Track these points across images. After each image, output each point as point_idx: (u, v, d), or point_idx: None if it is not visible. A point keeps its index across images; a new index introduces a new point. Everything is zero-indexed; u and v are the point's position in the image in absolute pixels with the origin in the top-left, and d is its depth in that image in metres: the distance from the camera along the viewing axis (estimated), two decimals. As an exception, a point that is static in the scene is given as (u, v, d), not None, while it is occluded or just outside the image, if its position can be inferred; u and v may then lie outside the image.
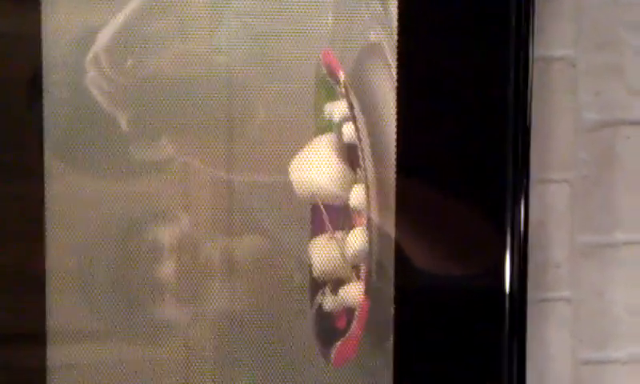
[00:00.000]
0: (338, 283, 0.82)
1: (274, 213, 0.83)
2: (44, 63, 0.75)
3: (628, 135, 0.83)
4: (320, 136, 0.83)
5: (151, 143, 0.80)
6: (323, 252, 0.82)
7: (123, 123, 0.79)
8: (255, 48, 0.81)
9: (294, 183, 0.81)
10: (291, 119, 0.82)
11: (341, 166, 0.81)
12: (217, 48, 0.81)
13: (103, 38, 0.79)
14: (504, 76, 0.74)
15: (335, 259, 0.82)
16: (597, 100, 0.83)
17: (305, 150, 0.82)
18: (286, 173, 0.82)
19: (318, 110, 0.84)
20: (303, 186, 0.82)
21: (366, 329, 0.80)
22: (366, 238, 0.79)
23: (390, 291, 0.76)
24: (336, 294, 0.82)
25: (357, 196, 0.81)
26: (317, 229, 0.83)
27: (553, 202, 0.84)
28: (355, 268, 0.81)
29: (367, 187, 0.78)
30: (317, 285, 0.83)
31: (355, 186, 0.81)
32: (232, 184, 0.82)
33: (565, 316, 0.85)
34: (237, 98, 0.81)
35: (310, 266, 0.82)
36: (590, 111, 0.83)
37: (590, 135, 0.83)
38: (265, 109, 0.82)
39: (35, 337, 0.76)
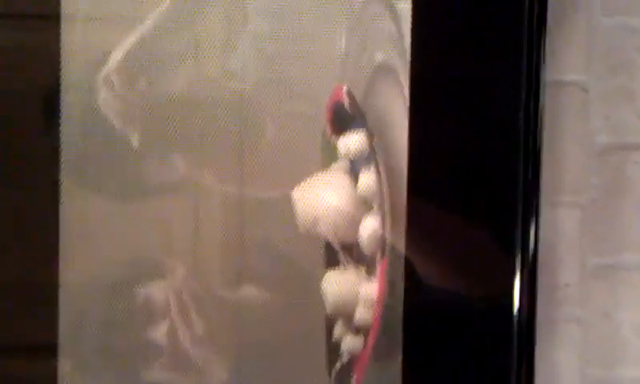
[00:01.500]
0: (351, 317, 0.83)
1: (287, 232, 0.83)
2: (62, 81, 0.76)
3: (638, 160, 0.84)
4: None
5: (164, 164, 0.81)
6: (337, 287, 0.83)
7: (135, 143, 0.80)
8: (268, 70, 0.82)
9: (298, 212, 0.82)
10: (304, 141, 0.83)
11: (352, 190, 0.82)
12: (230, 71, 0.82)
13: (115, 57, 0.80)
14: (515, 99, 0.75)
15: (349, 294, 0.83)
16: (607, 124, 0.84)
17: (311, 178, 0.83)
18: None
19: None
20: (307, 214, 0.82)
21: (375, 352, 0.81)
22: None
23: (399, 315, 0.76)
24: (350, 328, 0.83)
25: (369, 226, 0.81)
26: (330, 261, 0.84)
27: (563, 225, 0.84)
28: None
29: (382, 215, 0.79)
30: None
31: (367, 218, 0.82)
32: (243, 204, 0.83)
33: (573, 337, 0.86)
34: (249, 120, 0.82)
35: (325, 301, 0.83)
36: (600, 135, 0.84)
37: (601, 159, 0.84)
38: (277, 130, 0.83)
39: (47, 349, 0.77)
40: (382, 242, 0.80)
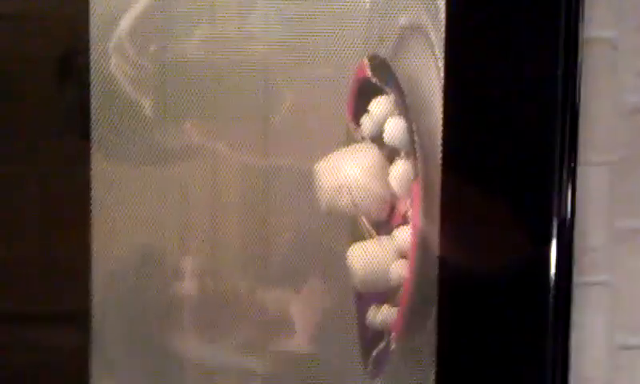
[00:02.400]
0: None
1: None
2: (92, 48, 0.74)
3: (671, 118, 0.82)
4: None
5: (190, 130, 0.79)
6: (365, 259, 0.81)
7: (148, 110, 0.78)
8: (288, 32, 0.80)
9: (319, 187, 0.80)
10: (328, 105, 0.81)
11: (380, 159, 0.80)
12: (249, 32, 0.79)
13: (126, 22, 0.77)
14: (553, 57, 0.73)
15: (379, 265, 0.81)
16: (638, 82, 0.82)
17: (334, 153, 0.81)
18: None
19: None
20: (329, 188, 0.80)
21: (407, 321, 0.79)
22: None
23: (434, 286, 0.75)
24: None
25: (397, 175, 0.79)
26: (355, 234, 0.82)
27: (592, 185, 0.82)
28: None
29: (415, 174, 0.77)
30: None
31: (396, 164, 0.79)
32: (267, 172, 0.81)
33: (602, 301, 0.84)
34: (271, 83, 0.80)
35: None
36: (631, 93, 0.82)
37: (631, 117, 0.82)
38: (299, 94, 0.80)
39: (79, 318, 0.75)
40: (412, 191, 0.78)
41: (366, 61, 0.81)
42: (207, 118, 0.79)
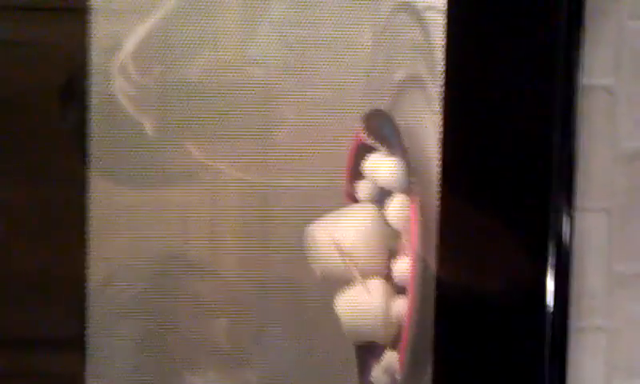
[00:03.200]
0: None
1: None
2: (90, 71, 0.74)
3: (668, 165, 0.83)
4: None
5: (190, 152, 0.79)
6: (352, 308, 0.82)
7: (150, 131, 0.79)
8: (290, 57, 0.81)
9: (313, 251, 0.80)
10: (327, 127, 0.82)
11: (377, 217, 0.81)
12: (251, 58, 0.80)
13: (131, 44, 0.78)
14: (550, 104, 0.74)
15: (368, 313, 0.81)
16: (636, 128, 0.83)
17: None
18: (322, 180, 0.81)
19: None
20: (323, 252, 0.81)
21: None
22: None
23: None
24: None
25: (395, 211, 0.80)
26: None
27: (590, 231, 0.83)
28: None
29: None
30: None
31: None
32: (266, 191, 0.81)
33: (600, 345, 0.84)
34: (271, 107, 0.81)
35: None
36: (628, 140, 0.83)
37: (629, 164, 0.83)
38: (299, 118, 0.81)
39: (74, 342, 0.75)
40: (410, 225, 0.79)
41: (361, 126, 0.82)
42: (208, 140, 0.80)
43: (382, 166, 0.81)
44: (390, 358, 0.82)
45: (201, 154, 0.80)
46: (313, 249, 0.81)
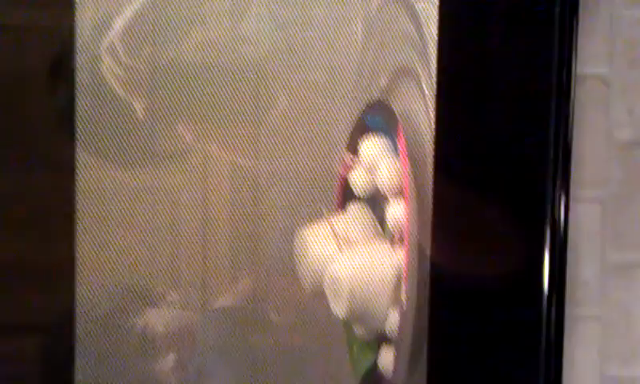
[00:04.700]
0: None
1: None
2: (77, 53, 0.73)
3: (662, 154, 0.83)
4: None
5: (180, 133, 0.79)
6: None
7: (140, 112, 0.78)
8: (281, 37, 0.80)
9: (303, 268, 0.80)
10: (320, 109, 0.81)
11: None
12: (243, 37, 0.79)
13: (119, 24, 0.78)
14: (545, 93, 0.74)
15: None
16: (630, 118, 0.83)
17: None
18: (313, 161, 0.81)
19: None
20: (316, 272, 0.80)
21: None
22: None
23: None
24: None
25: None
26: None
27: (584, 220, 0.83)
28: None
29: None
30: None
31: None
32: (257, 176, 0.81)
33: (593, 334, 0.85)
34: (263, 88, 0.80)
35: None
36: (622, 129, 0.83)
37: (623, 154, 0.83)
38: (291, 99, 0.80)
39: (64, 329, 0.75)
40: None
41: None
42: (198, 121, 0.79)
43: (379, 164, 0.80)
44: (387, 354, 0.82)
45: (191, 136, 0.79)
46: (303, 261, 0.80)
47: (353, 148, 0.83)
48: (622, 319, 0.85)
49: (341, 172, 0.82)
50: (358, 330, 0.82)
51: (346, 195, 0.84)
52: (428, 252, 0.74)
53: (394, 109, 0.80)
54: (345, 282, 0.78)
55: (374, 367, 0.83)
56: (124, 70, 0.78)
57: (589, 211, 0.83)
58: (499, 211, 0.74)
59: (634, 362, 0.85)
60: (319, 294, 0.80)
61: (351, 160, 0.81)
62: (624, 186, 0.83)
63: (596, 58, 0.82)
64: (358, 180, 0.82)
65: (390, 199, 0.80)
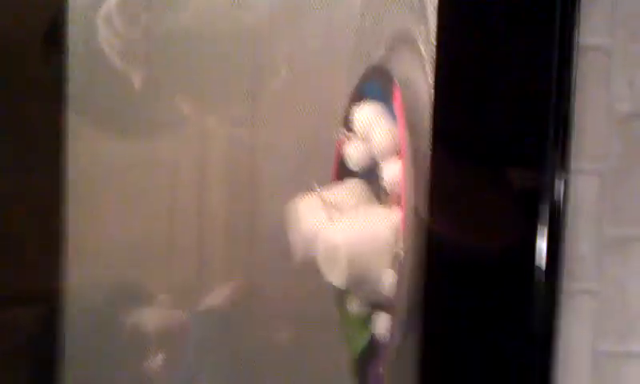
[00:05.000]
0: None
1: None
2: (69, 22, 0.72)
3: (662, 127, 0.82)
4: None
5: (173, 102, 0.77)
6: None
7: (137, 82, 0.76)
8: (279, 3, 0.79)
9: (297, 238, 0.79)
10: (318, 77, 0.80)
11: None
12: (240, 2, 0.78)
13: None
14: (546, 64, 0.72)
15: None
16: (631, 90, 0.81)
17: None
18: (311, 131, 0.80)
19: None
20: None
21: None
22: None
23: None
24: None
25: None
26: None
27: (581, 193, 0.82)
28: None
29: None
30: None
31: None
32: (254, 146, 0.80)
33: (587, 308, 0.84)
34: (261, 55, 0.79)
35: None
36: (623, 102, 0.82)
37: (623, 126, 0.82)
38: (291, 67, 0.79)
39: (51, 298, 0.73)
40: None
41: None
42: (196, 91, 0.78)
43: (375, 130, 0.79)
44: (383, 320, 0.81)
45: (188, 107, 0.78)
46: (295, 232, 0.79)
47: (348, 120, 0.81)
48: (618, 294, 0.84)
49: (337, 147, 0.81)
50: (354, 300, 0.82)
51: (343, 171, 0.82)
52: (424, 215, 0.73)
53: (390, 71, 0.78)
54: (342, 247, 0.77)
55: (369, 345, 0.82)
56: (120, 40, 0.76)
57: (587, 184, 0.82)
58: (496, 181, 0.73)
59: (627, 337, 0.84)
60: (312, 269, 0.79)
61: (346, 133, 0.79)
62: (623, 159, 0.82)
63: (598, 28, 0.81)
64: (354, 153, 0.81)
65: (387, 161, 0.79)
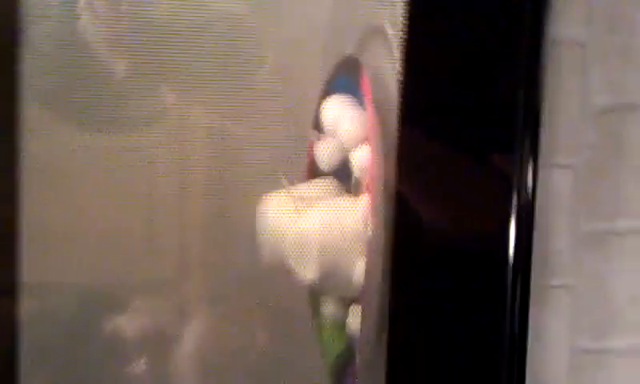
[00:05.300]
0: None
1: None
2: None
3: (638, 120, 0.81)
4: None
5: (148, 94, 0.77)
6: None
7: (120, 71, 0.76)
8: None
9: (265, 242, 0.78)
10: (298, 70, 0.79)
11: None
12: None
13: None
14: (516, 54, 0.71)
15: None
16: (607, 83, 0.80)
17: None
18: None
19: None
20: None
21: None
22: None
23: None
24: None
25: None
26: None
27: (556, 188, 0.81)
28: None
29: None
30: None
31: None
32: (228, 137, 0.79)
33: (564, 304, 0.83)
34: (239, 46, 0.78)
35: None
36: (598, 94, 0.80)
37: (598, 119, 0.81)
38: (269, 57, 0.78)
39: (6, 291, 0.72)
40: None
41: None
42: (178, 81, 0.77)
43: (342, 121, 0.78)
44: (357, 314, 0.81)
45: (170, 97, 0.77)
46: (264, 227, 0.78)
47: (318, 119, 0.81)
48: (595, 290, 0.83)
49: (308, 148, 0.80)
50: (328, 303, 0.81)
51: (315, 172, 0.82)
52: (393, 199, 0.72)
53: (357, 58, 0.78)
54: (312, 237, 0.77)
55: (346, 352, 0.81)
56: (102, 26, 0.76)
57: (562, 178, 0.81)
58: (465, 169, 0.72)
59: (605, 334, 0.83)
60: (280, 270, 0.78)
61: (315, 134, 0.79)
62: (599, 152, 0.81)
63: (573, 20, 0.79)
64: (323, 153, 0.80)
65: (356, 148, 0.78)
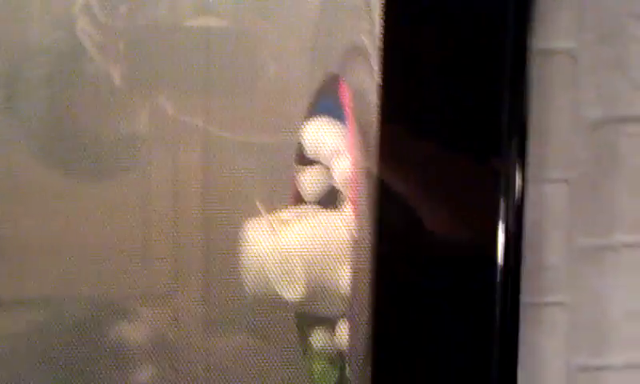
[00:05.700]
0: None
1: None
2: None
3: (631, 132, 0.79)
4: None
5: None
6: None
7: (117, 76, 0.75)
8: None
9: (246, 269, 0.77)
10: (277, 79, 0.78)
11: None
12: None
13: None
14: (500, 69, 0.70)
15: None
16: (598, 95, 0.79)
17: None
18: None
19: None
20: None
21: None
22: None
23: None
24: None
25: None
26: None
27: (550, 202, 0.80)
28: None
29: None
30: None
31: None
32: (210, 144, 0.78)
33: (560, 321, 0.81)
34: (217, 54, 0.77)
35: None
36: (590, 107, 0.79)
37: (591, 132, 0.79)
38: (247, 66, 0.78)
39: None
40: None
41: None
42: (177, 90, 0.76)
43: (324, 142, 0.78)
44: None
45: (169, 107, 0.77)
46: (246, 260, 0.77)
47: (301, 147, 0.80)
48: (590, 306, 0.81)
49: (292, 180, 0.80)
50: (318, 332, 0.80)
51: (299, 203, 0.81)
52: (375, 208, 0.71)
53: (338, 74, 0.77)
54: (297, 256, 0.76)
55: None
56: (100, 31, 0.75)
57: (556, 193, 0.80)
58: (451, 184, 0.71)
59: (602, 350, 0.82)
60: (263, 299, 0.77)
61: (296, 168, 0.78)
62: (592, 166, 0.80)
63: (564, 32, 0.78)
64: (307, 184, 0.79)
65: (337, 158, 0.77)
